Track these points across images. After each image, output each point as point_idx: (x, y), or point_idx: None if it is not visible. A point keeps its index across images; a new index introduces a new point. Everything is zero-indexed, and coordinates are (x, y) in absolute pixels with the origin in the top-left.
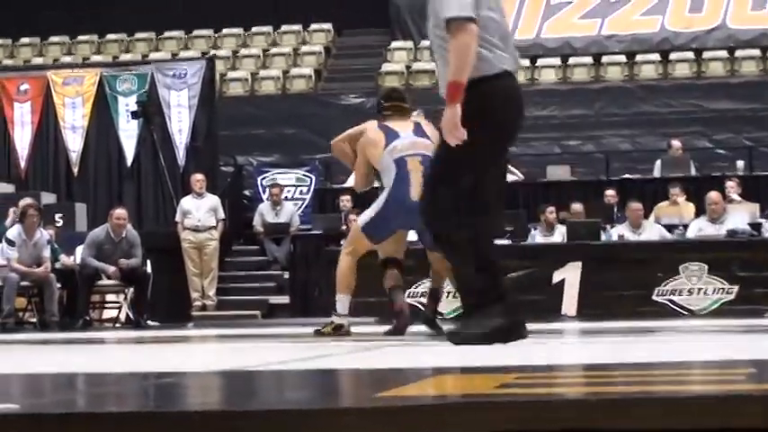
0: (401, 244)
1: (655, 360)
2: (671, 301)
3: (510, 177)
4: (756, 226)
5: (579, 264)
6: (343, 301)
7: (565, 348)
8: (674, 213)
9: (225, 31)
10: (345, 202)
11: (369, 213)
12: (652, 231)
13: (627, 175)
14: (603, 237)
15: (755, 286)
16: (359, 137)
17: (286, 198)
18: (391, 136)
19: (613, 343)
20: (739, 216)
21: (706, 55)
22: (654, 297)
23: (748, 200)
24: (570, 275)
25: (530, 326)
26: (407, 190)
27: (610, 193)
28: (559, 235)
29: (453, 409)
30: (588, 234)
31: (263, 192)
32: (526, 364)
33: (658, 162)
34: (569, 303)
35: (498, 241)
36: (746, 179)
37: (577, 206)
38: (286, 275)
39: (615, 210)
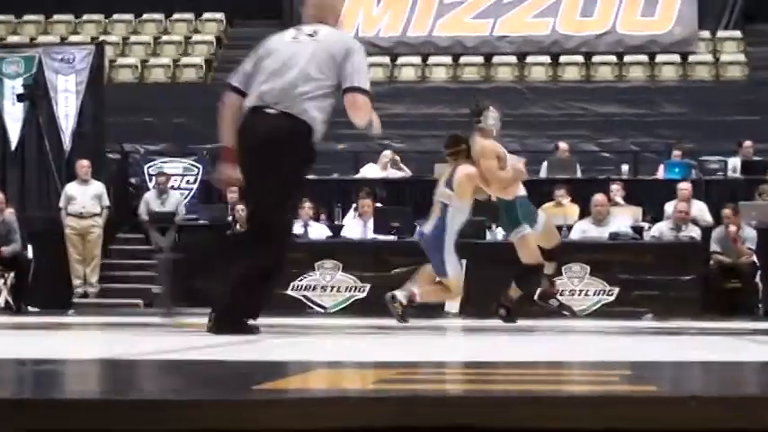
0: None
1: (534, 359)
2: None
3: (397, 174)
4: (638, 229)
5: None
6: None
7: (446, 345)
8: (558, 214)
9: (115, 16)
10: (232, 193)
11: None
12: None
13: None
14: (489, 236)
15: (635, 289)
16: None
17: (172, 187)
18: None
19: (495, 341)
20: (622, 219)
21: (595, 59)
22: (536, 297)
23: (632, 203)
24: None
25: (412, 322)
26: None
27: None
28: None
29: (326, 403)
30: (474, 232)
31: (150, 180)
32: (407, 360)
33: (545, 163)
34: (453, 301)
35: (384, 237)
36: (631, 183)
37: None
38: None
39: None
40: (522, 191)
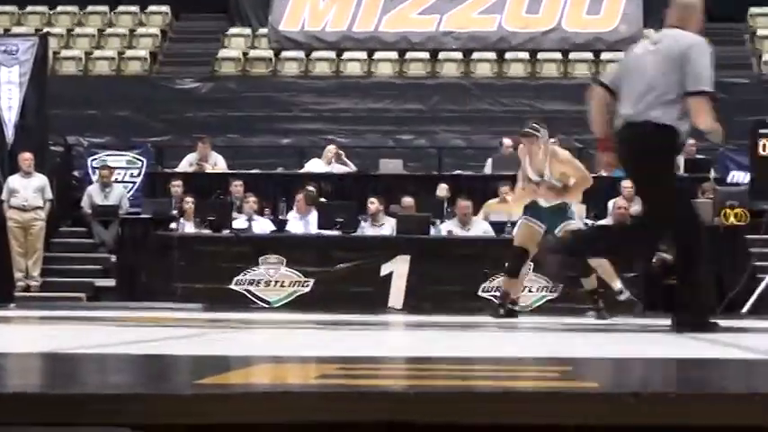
0: None
1: (476, 355)
2: (496, 296)
3: (342, 169)
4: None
5: (408, 257)
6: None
7: (389, 341)
8: (502, 211)
9: (59, 8)
10: (176, 187)
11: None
12: (480, 228)
13: (458, 172)
14: (433, 231)
15: (579, 285)
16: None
17: (116, 180)
18: None
19: (437, 337)
20: None
21: (541, 56)
22: (480, 293)
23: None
24: (398, 268)
25: (356, 317)
26: None
27: (441, 188)
28: (389, 228)
29: (268, 399)
30: (418, 228)
31: (93, 173)
32: (349, 355)
33: (489, 160)
34: (396, 296)
35: (329, 232)
36: None
37: (408, 200)
38: (113, 258)
39: (446, 205)
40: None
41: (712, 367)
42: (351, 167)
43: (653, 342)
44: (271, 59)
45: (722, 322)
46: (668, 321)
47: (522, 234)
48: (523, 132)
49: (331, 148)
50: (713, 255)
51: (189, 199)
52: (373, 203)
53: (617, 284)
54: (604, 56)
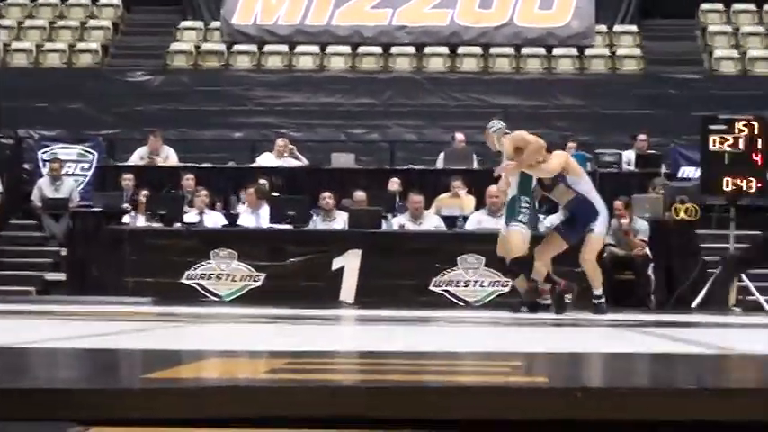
0: None
1: (427, 350)
2: (448, 291)
3: (293, 163)
4: None
5: (359, 251)
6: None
7: (339, 336)
8: (454, 205)
9: (10, 0)
10: (127, 180)
11: (603, 224)
12: (432, 222)
13: (411, 166)
14: (384, 225)
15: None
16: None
17: (66, 174)
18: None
19: (389, 331)
20: None
21: (493, 51)
22: (431, 287)
23: None
24: (350, 263)
25: (307, 312)
26: None
27: (393, 182)
28: (341, 222)
29: (217, 393)
30: (369, 222)
31: (44, 166)
32: (299, 350)
33: (442, 154)
34: (348, 290)
35: (280, 226)
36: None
37: (360, 194)
38: (63, 252)
39: (397, 199)
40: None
41: (662, 362)
42: (302, 161)
43: (604, 337)
44: (223, 53)
45: (671, 316)
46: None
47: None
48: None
49: (280, 142)
50: (663, 250)
51: (144, 192)
52: (326, 198)
53: (599, 290)
54: (556, 51)
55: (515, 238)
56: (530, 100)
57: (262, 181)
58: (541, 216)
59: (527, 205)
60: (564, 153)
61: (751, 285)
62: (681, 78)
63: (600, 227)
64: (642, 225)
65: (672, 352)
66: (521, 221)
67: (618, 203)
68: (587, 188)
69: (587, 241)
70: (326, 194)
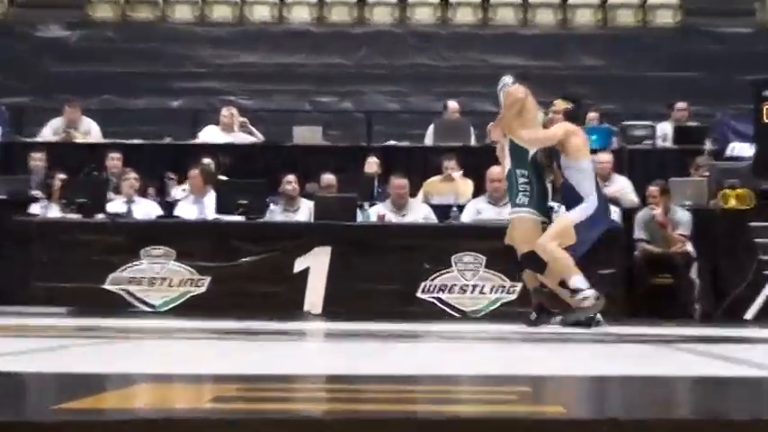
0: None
1: (415, 372)
2: (439, 299)
3: (245, 138)
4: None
5: (328, 249)
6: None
7: (304, 355)
8: (447, 191)
9: None
10: (38, 160)
11: (581, 212)
12: (419, 212)
13: (392, 142)
14: (360, 216)
15: (542, 285)
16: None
17: None
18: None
19: (366, 349)
20: None
21: (494, 0)
22: (419, 294)
23: None
24: (316, 263)
25: (264, 325)
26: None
27: (370, 162)
28: (305, 212)
29: (147, 428)
30: (341, 213)
31: None
32: (253, 373)
33: (431, 127)
34: (314, 298)
35: (227, 217)
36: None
37: (329, 177)
38: None
39: (376, 184)
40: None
41: (708, 388)
42: (257, 137)
43: (636, 356)
44: (158, 2)
45: (720, 330)
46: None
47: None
48: None
49: (226, 113)
50: (709, 247)
51: (59, 175)
52: (290, 183)
53: (574, 281)
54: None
55: (518, 229)
56: (540, 60)
57: (206, 161)
58: (555, 204)
59: (525, 181)
60: (566, 125)
61: None
62: (727, 33)
63: (576, 212)
64: (683, 216)
65: (720, 375)
66: (522, 205)
67: (652, 189)
68: (580, 177)
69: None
70: (290, 177)
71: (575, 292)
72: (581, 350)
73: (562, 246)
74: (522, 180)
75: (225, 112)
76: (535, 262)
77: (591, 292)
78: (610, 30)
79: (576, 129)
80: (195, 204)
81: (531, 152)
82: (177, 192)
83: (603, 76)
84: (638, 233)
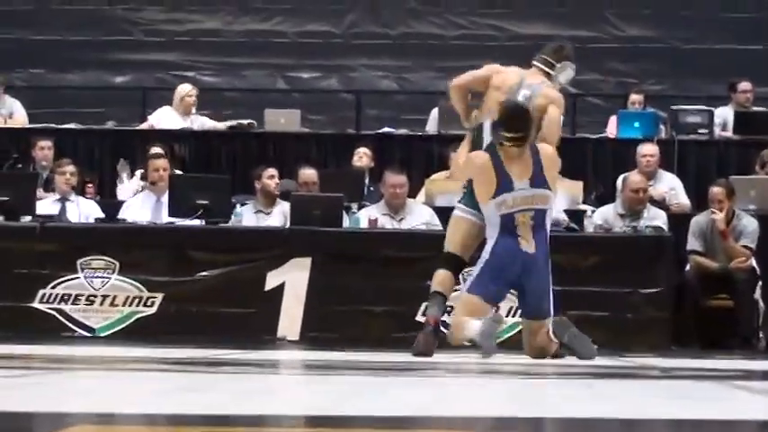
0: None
1: (414, 413)
2: (443, 323)
3: (206, 123)
4: (577, 215)
5: (308, 261)
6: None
7: (277, 390)
8: (455, 191)
9: None
10: None
11: (474, 272)
12: (419, 217)
13: (387, 129)
14: (347, 221)
15: (572, 306)
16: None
17: None
18: (505, 184)
19: (354, 385)
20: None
21: None
22: (419, 317)
23: (567, 175)
24: (293, 279)
25: (230, 354)
26: (517, 241)
27: (361, 154)
28: (279, 215)
29: None
30: (323, 216)
31: None
32: (215, 414)
33: (434, 110)
34: (290, 322)
35: (183, 221)
36: (567, 143)
37: (309, 173)
38: None
39: (367, 181)
40: None
41: None
42: (221, 121)
43: (684, 395)
44: None
45: None
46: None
47: None
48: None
49: (183, 91)
50: None
51: None
52: (272, 177)
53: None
54: None
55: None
56: (570, 28)
57: (155, 150)
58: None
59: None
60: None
61: None
62: None
63: (467, 283)
64: (749, 224)
65: None
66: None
67: (716, 190)
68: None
69: None
70: (271, 171)
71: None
72: (620, 386)
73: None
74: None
75: (185, 89)
76: None
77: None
78: None
79: (478, 169)
80: (144, 204)
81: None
82: (130, 187)
83: (650, 50)
84: (692, 243)
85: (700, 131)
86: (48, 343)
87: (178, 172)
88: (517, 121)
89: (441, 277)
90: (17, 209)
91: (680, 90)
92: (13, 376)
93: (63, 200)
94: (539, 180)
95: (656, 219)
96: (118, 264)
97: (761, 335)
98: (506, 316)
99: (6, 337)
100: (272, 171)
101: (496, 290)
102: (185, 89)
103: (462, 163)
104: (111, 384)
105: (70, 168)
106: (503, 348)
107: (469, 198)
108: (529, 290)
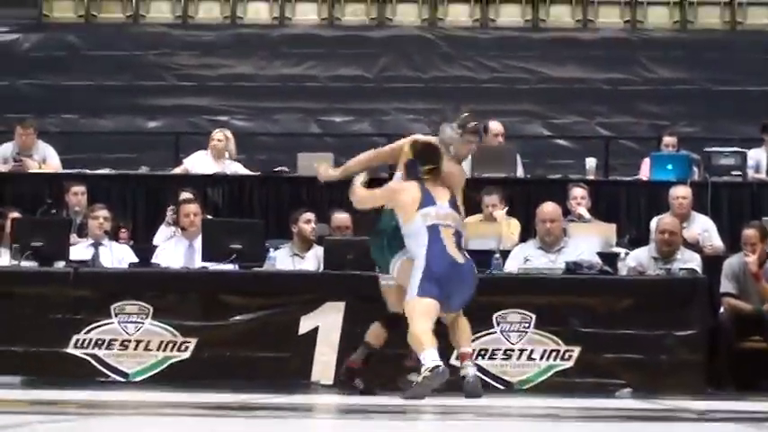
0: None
1: None
2: (479, 367)
3: (239, 168)
4: (610, 258)
5: (341, 305)
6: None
7: None
8: (488, 234)
9: None
10: None
11: (414, 280)
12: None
13: None
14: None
15: (604, 349)
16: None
17: None
18: (428, 200)
19: (392, 429)
20: (586, 242)
21: None
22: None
23: (600, 218)
24: (327, 323)
25: (264, 398)
26: (447, 252)
27: None
28: (313, 260)
29: None
30: (357, 260)
31: None
32: None
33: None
34: (324, 366)
35: (216, 266)
36: (599, 186)
37: (342, 216)
38: None
39: None
40: None
41: None
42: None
43: None
44: None
45: None
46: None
47: None
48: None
49: (218, 136)
50: None
51: (11, 214)
52: (308, 222)
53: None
54: None
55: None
56: (603, 71)
57: (186, 195)
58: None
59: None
60: (392, 184)
61: None
62: None
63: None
64: None
65: None
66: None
67: (749, 233)
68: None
69: None
70: (309, 215)
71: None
72: (649, 430)
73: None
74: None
75: (219, 135)
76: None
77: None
78: (690, 33)
79: (404, 186)
80: (178, 249)
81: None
82: (158, 235)
83: (682, 92)
84: (726, 286)
85: (733, 173)
86: (82, 388)
87: (210, 217)
88: (430, 154)
89: (375, 332)
90: (51, 254)
91: (712, 132)
92: (48, 422)
93: (96, 245)
94: (452, 202)
95: (689, 261)
96: (152, 309)
97: None
98: (540, 359)
99: (41, 382)
100: (309, 215)
101: (439, 292)
102: (214, 134)
103: (386, 188)
104: (145, 429)
105: (103, 213)
106: (540, 392)
107: (388, 222)
108: (457, 294)
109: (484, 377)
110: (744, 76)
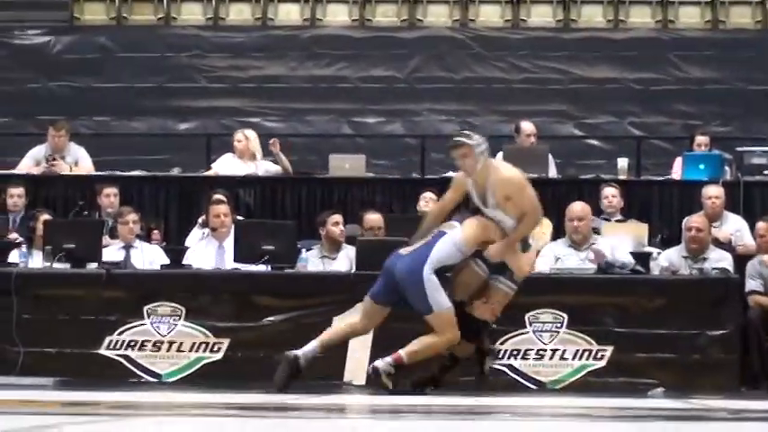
0: None
1: None
2: (511, 366)
3: (271, 169)
4: (642, 257)
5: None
6: None
7: None
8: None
9: None
10: (16, 197)
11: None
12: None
13: (452, 173)
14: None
15: (637, 349)
16: None
17: None
18: None
19: (426, 428)
20: (618, 241)
21: None
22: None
23: (633, 217)
24: None
25: (296, 399)
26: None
27: (425, 198)
28: (345, 260)
29: None
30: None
31: None
32: None
33: (500, 154)
34: (356, 366)
35: (250, 267)
36: (631, 186)
37: (374, 217)
38: None
39: None
40: None
41: None
42: (285, 167)
43: None
44: (162, 1)
45: None
46: None
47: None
48: (451, 144)
49: (249, 135)
50: None
51: (43, 216)
52: (337, 224)
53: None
54: None
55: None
56: (636, 71)
57: (216, 196)
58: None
59: None
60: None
61: None
62: None
63: None
64: None
65: None
66: None
67: (761, 226)
68: None
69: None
70: (337, 217)
71: None
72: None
73: None
74: None
75: (250, 135)
76: None
77: None
78: (723, 32)
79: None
80: (209, 251)
81: None
82: (189, 236)
83: (714, 91)
84: (751, 284)
85: (765, 173)
86: (115, 389)
87: (241, 218)
88: None
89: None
90: (83, 256)
91: (745, 131)
92: (81, 423)
93: (128, 247)
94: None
95: (721, 260)
96: (184, 310)
97: None
98: (572, 359)
99: (74, 383)
100: (337, 218)
101: (378, 285)
102: (235, 135)
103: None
104: (178, 430)
105: (132, 217)
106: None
107: None
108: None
109: (517, 377)
110: None
